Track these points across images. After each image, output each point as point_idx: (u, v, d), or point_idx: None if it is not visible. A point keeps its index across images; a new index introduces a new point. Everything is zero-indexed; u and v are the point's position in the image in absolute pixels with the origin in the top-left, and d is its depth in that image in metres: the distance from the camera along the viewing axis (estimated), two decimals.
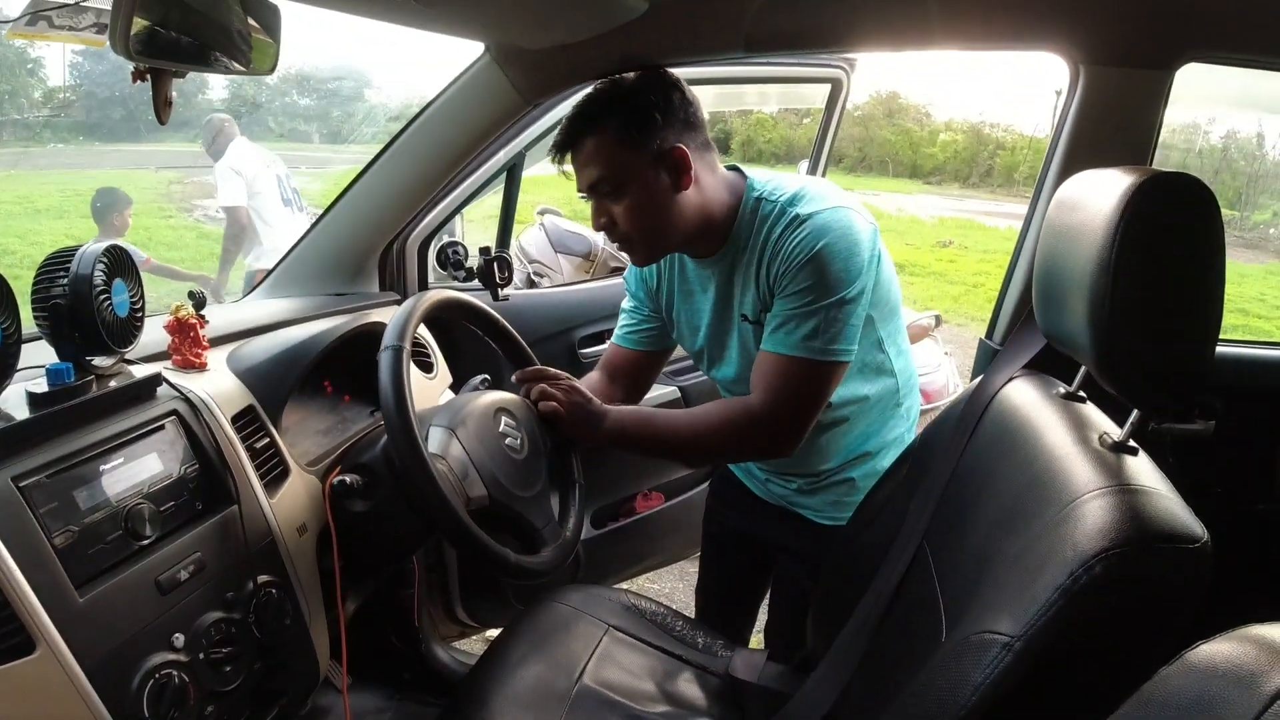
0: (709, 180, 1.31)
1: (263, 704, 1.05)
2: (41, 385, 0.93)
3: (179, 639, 0.93)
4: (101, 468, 0.93)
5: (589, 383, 1.53)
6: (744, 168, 1.37)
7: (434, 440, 1.14)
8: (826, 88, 2.28)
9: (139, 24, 0.82)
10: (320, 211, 1.71)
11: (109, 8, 0.84)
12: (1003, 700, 0.81)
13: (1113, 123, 1.35)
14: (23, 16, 0.94)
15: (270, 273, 1.69)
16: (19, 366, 0.90)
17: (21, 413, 0.90)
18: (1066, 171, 1.33)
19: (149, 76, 0.83)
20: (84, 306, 0.94)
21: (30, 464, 0.87)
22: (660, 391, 2.13)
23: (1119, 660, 0.66)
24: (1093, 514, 0.85)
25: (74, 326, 0.95)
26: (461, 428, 1.18)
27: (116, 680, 0.86)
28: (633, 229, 1.29)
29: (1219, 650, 0.60)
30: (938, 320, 3.87)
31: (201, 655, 0.95)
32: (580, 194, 1.31)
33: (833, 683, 1.17)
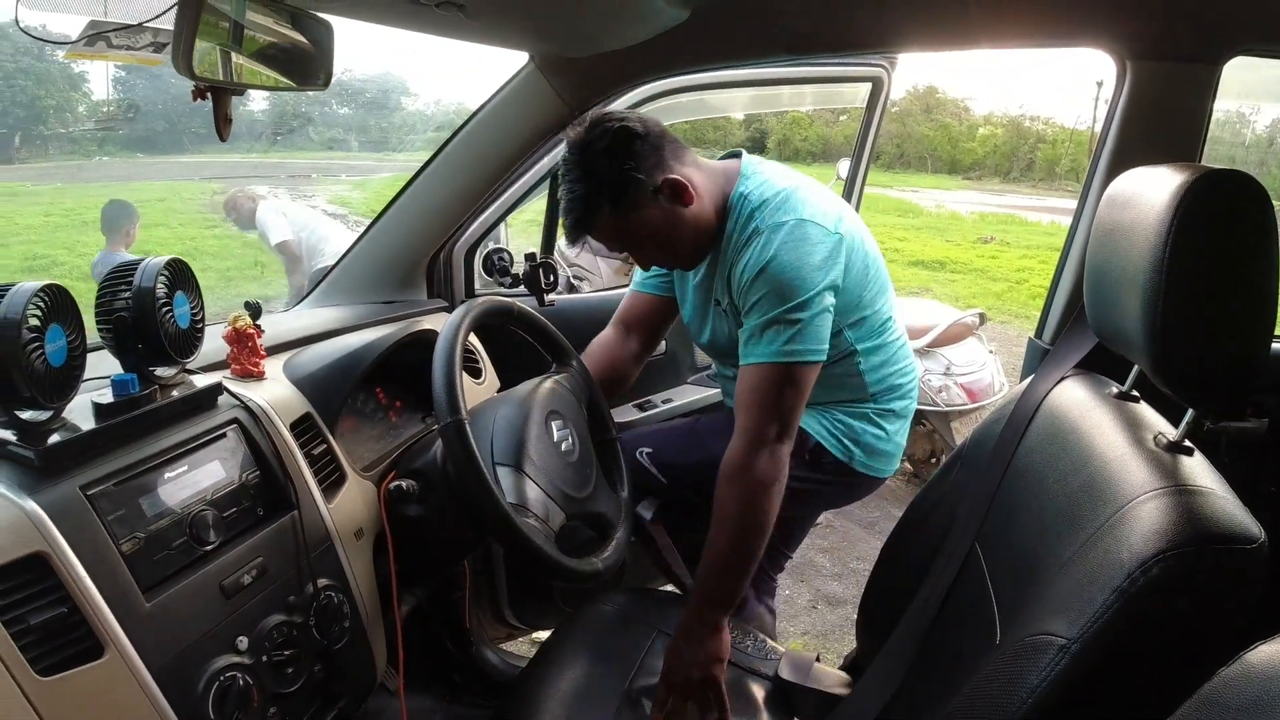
0: (702, 181, 1.39)
1: (322, 706, 1.07)
2: (107, 396, 0.96)
3: (243, 642, 0.96)
4: (166, 475, 0.96)
5: (603, 341, 1.64)
6: (744, 156, 1.45)
7: (507, 486, 1.15)
8: (866, 87, 2.27)
9: (199, 44, 0.85)
10: (361, 219, 1.74)
11: (167, 28, 0.87)
12: (1058, 703, 0.82)
13: (1161, 118, 1.34)
14: (82, 38, 0.97)
15: (320, 281, 1.73)
16: (84, 377, 0.92)
17: (88, 423, 0.92)
18: (1115, 168, 1.32)
19: (209, 95, 0.86)
20: (147, 318, 0.97)
21: (98, 473, 0.89)
22: (703, 394, 2.15)
23: (1176, 663, 0.65)
24: (1149, 516, 0.84)
25: (137, 338, 0.98)
26: (528, 462, 1.19)
27: (183, 683, 0.89)
28: (672, 258, 1.44)
29: (1278, 651, 0.59)
30: (982, 318, 3.81)
31: (264, 658, 0.97)
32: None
33: (884, 685, 1.17)
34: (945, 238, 11.29)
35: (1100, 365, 1.24)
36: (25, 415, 0.87)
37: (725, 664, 1.28)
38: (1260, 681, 0.59)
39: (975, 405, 3.54)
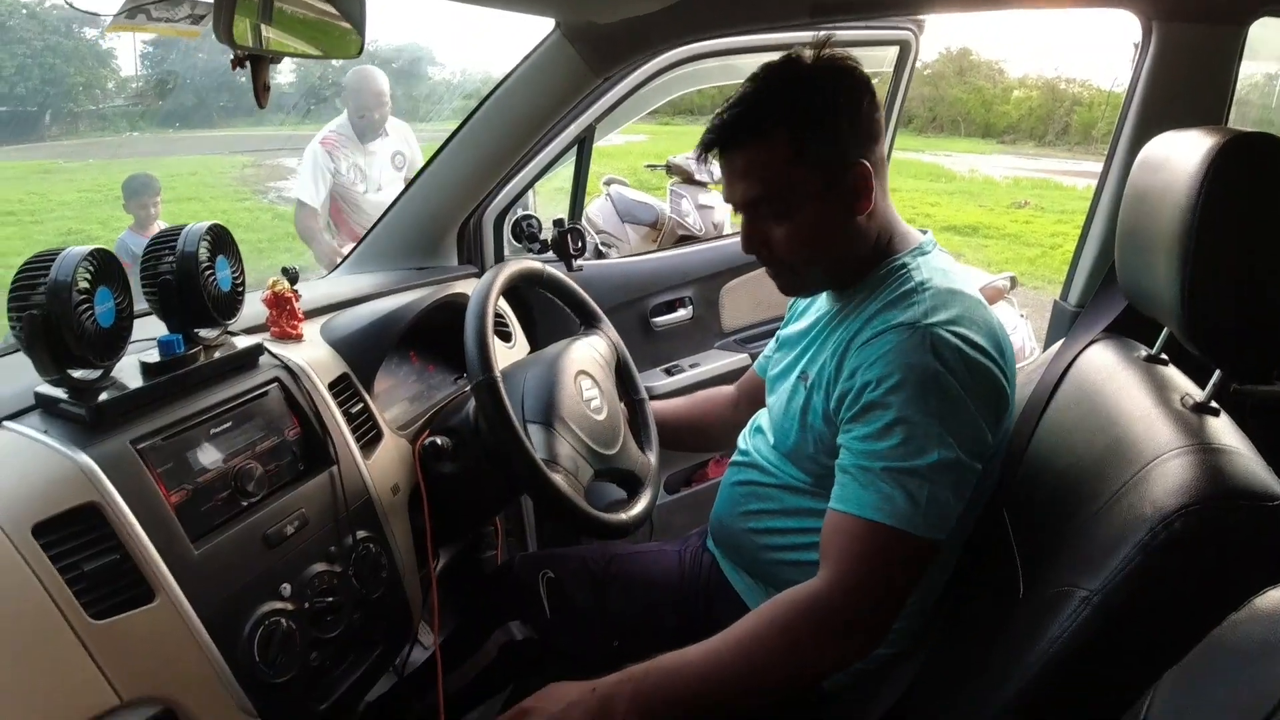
0: (882, 208, 1.11)
1: (360, 653, 1.11)
2: (154, 356, 1.00)
3: (286, 589, 1.00)
4: (212, 431, 1.00)
5: (716, 393, 1.55)
6: (933, 238, 1.16)
7: (538, 442, 1.18)
8: (893, 50, 2.25)
9: (240, 14, 0.87)
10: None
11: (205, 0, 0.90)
12: (1077, 653, 0.84)
13: (1187, 80, 1.34)
14: (123, 10, 1.00)
15: (354, 249, 1.76)
16: (132, 339, 0.96)
17: (136, 382, 0.97)
18: (1141, 130, 1.32)
19: (248, 63, 0.89)
20: (190, 282, 1.01)
21: (146, 428, 0.94)
22: (730, 359, 2.18)
23: (1194, 615, 0.67)
24: (1173, 472, 0.86)
25: (182, 300, 1.02)
26: (557, 420, 1.22)
27: (230, 627, 0.93)
28: (795, 257, 1.11)
29: None
30: (1013, 282, 3.77)
31: (306, 604, 1.01)
32: (728, 203, 1.12)
33: (910, 645, 1.19)
34: (978, 203, 11.12)
35: (1129, 329, 1.24)
36: (76, 374, 0.91)
37: None
38: (1267, 624, 0.61)
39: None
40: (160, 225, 3.58)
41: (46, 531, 0.82)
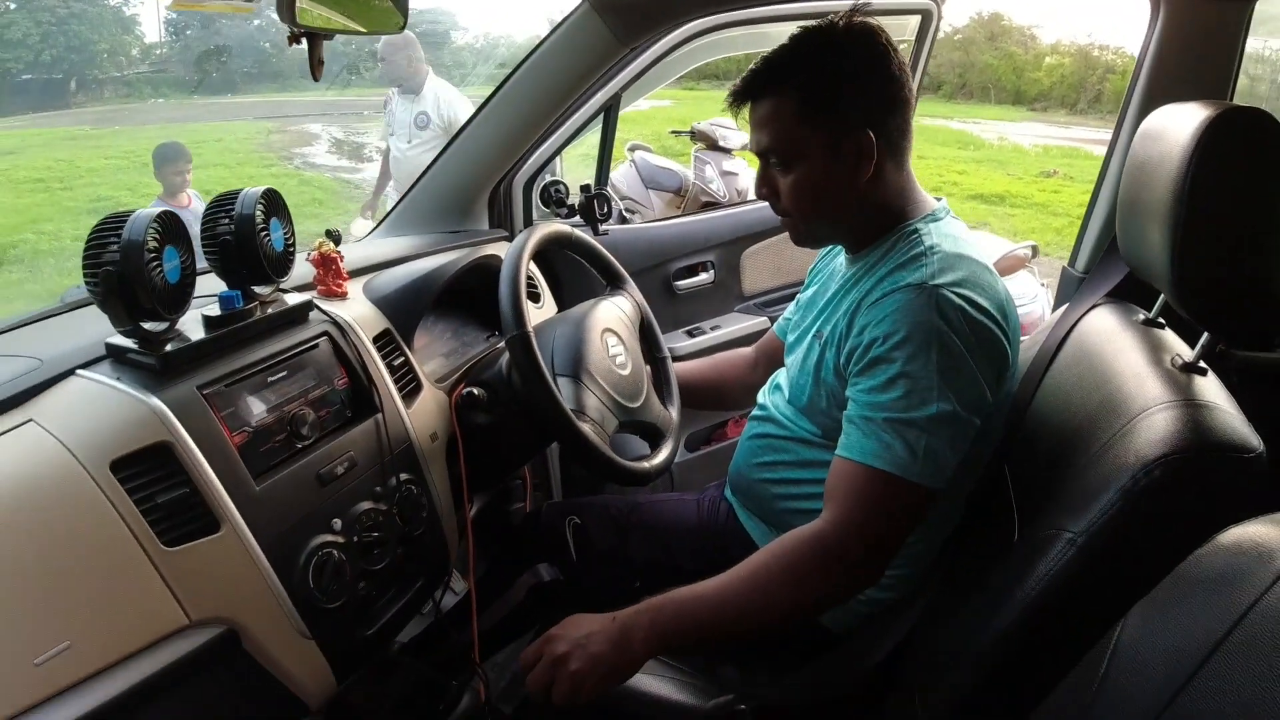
0: (894, 178, 1.16)
1: (402, 586, 1.19)
2: (215, 310, 1.07)
3: (337, 523, 1.08)
4: (269, 379, 1.08)
5: (734, 355, 1.61)
6: (946, 204, 1.21)
7: (566, 394, 1.25)
8: (914, 20, 2.26)
9: None
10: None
11: None
12: (1062, 588, 0.90)
13: (1193, 54, 1.37)
14: None
15: (390, 213, 1.84)
16: (194, 295, 1.04)
17: (199, 333, 1.04)
18: (1148, 102, 1.35)
19: (303, 39, 0.96)
20: (247, 242, 1.08)
21: (210, 375, 1.02)
22: (750, 322, 2.23)
23: (1166, 552, 0.72)
24: (1157, 424, 0.92)
25: (240, 260, 1.09)
26: (585, 373, 1.29)
27: (287, 556, 1.01)
28: (794, 208, 1.17)
29: (1247, 531, 0.67)
30: (1035, 251, 3.79)
31: (355, 538, 1.09)
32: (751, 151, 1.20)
33: (913, 591, 1.25)
34: (1006, 171, 10.97)
35: (1131, 294, 1.29)
36: (146, 325, 0.98)
37: (601, 683, 1.00)
38: (1225, 557, 0.66)
39: (1025, 338, 3.52)
40: (190, 194, 3.66)
41: (123, 467, 0.90)
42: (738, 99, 1.16)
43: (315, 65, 0.98)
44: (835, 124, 1.10)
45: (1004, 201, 9.41)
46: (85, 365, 1.00)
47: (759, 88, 1.13)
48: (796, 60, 1.11)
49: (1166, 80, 1.38)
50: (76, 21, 12.20)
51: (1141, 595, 0.72)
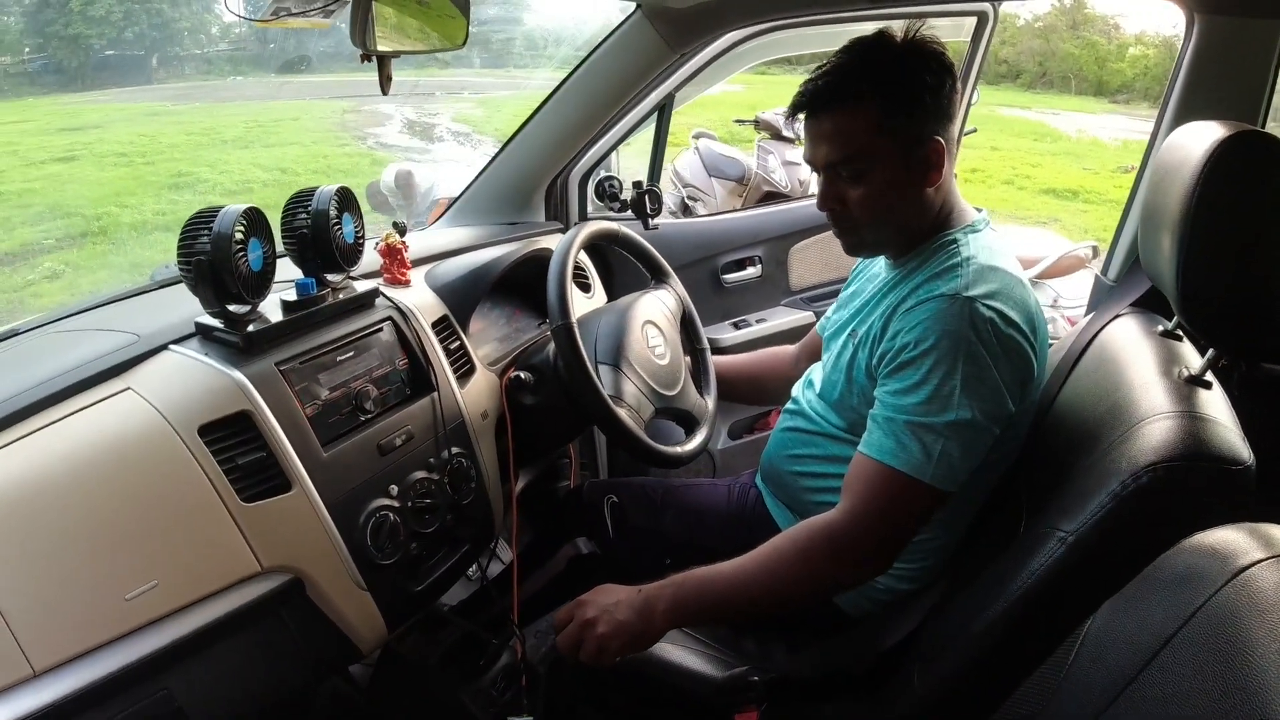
0: (947, 182, 1.21)
1: (450, 549, 1.30)
2: (291, 295, 1.19)
3: (393, 489, 1.19)
4: (338, 359, 1.20)
5: (778, 350, 1.67)
6: (986, 216, 1.25)
7: (607, 381, 1.35)
8: (969, 22, 2.24)
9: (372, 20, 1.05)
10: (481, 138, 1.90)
11: None
12: (1050, 583, 0.96)
13: (1226, 73, 1.37)
14: (265, 11, 1.16)
15: (453, 204, 1.95)
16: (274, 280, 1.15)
17: (277, 316, 1.16)
18: (1178, 120, 1.36)
19: (373, 58, 1.06)
20: (322, 235, 1.20)
21: (287, 354, 1.13)
22: (795, 316, 2.29)
23: (1141, 554, 0.77)
24: (1154, 433, 0.96)
25: (315, 250, 1.21)
26: (625, 362, 1.38)
27: (349, 516, 1.13)
28: (865, 218, 1.19)
29: (1213, 535, 0.72)
30: (1095, 251, 3.73)
31: (409, 503, 1.21)
32: (808, 162, 1.21)
33: (928, 582, 1.30)
34: (1083, 165, 10.64)
35: (1156, 304, 1.31)
36: (231, 307, 1.10)
37: (624, 648, 1.10)
38: (1188, 558, 0.71)
39: (1053, 344, 3.45)
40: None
41: (209, 431, 1.02)
42: (810, 109, 1.16)
43: (384, 81, 1.08)
44: (911, 134, 1.14)
45: (1077, 197, 9.15)
46: (177, 341, 1.13)
47: (835, 100, 1.14)
48: (875, 72, 1.13)
49: (1198, 96, 1.39)
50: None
51: (1113, 592, 0.77)
